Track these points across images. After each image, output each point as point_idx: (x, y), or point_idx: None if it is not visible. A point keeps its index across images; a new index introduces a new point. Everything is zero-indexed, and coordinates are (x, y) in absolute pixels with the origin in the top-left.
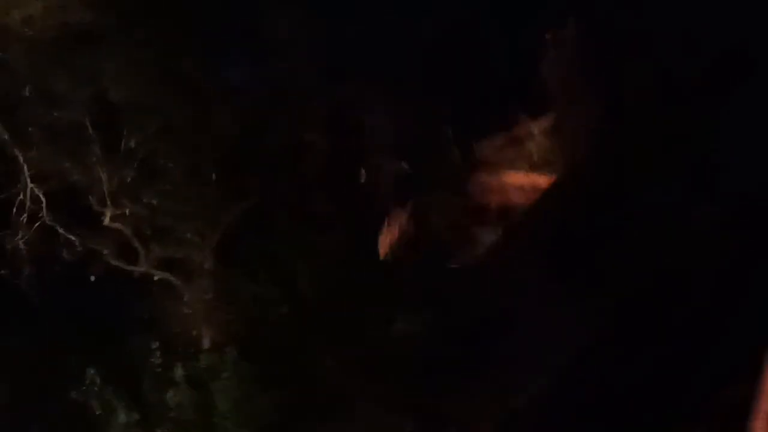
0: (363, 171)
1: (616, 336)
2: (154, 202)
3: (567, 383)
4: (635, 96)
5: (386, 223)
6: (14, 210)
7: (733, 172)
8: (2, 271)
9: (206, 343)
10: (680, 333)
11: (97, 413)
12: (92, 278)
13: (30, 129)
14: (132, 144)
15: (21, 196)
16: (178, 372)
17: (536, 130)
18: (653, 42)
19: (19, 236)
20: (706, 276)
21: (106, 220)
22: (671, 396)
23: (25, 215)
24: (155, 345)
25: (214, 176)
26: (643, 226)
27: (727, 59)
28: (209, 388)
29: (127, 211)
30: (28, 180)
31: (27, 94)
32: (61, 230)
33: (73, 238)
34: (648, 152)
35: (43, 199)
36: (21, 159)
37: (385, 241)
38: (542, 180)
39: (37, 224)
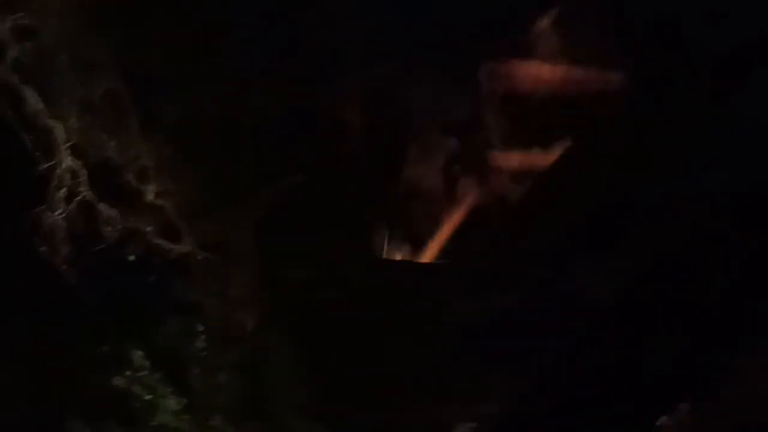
0: (412, 149)
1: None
2: (195, 179)
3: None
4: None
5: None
6: (52, 185)
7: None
8: (41, 249)
9: (250, 326)
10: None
11: (146, 399)
12: (131, 258)
13: (65, 99)
14: (171, 118)
15: (58, 170)
16: (225, 356)
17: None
18: (680, 22)
19: (58, 212)
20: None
21: (149, 197)
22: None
23: (64, 190)
24: (199, 328)
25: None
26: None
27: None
28: (258, 373)
29: (168, 188)
30: (66, 153)
31: (61, 62)
32: (101, 206)
33: (114, 214)
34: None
35: (83, 173)
36: (57, 130)
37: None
38: (546, 69)
39: (76, 200)
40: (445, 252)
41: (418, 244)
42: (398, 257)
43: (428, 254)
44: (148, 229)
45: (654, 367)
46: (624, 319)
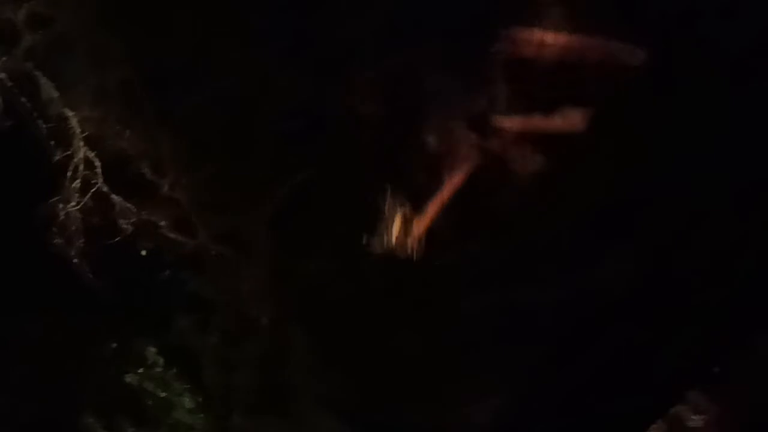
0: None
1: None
2: (209, 172)
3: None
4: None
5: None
6: (67, 175)
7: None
8: (54, 241)
9: (266, 321)
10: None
11: (160, 396)
12: (143, 252)
13: (79, 89)
14: (187, 110)
15: (75, 159)
16: (241, 352)
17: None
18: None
19: (73, 204)
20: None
21: (164, 189)
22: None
23: (78, 181)
24: (214, 324)
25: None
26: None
27: None
28: (276, 368)
29: (182, 181)
30: (81, 143)
31: (76, 51)
32: (116, 198)
33: (129, 206)
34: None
35: (97, 164)
36: (72, 120)
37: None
38: (549, 36)
39: (92, 191)
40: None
41: (420, 203)
42: (398, 216)
43: (427, 214)
44: (163, 222)
45: (670, 357)
46: (643, 309)
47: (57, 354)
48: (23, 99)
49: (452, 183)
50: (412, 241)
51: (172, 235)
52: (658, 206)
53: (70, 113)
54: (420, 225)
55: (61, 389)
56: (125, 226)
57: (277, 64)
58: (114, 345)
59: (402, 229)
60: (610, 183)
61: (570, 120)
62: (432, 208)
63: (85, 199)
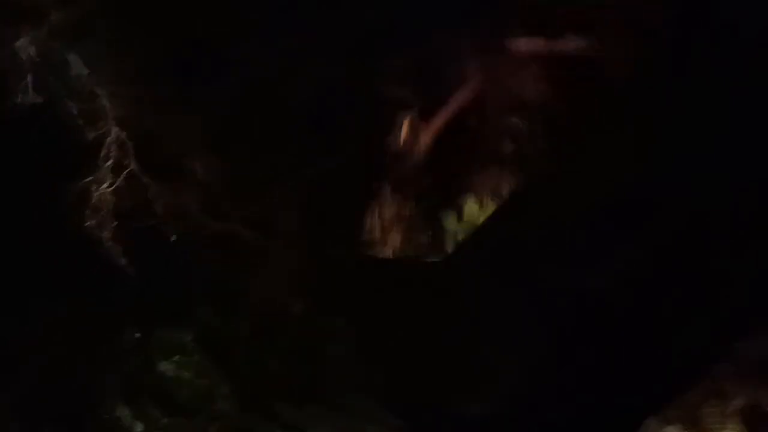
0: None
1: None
2: (242, 156)
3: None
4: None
5: None
6: (100, 155)
7: None
8: (88, 223)
9: (300, 308)
10: None
11: (196, 384)
12: (173, 238)
13: (111, 68)
14: (220, 94)
15: (108, 140)
16: (277, 339)
17: None
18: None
19: (105, 185)
20: None
21: (195, 173)
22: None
23: (110, 162)
24: (243, 311)
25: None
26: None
27: None
28: (314, 356)
29: (214, 165)
30: (113, 123)
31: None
32: (148, 180)
33: (159, 190)
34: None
35: (129, 145)
36: (104, 100)
37: None
38: None
39: (124, 172)
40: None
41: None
42: (407, 121)
43: (434, 123)
44: (194, 206)
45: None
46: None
47: (87, 341)
48: (52, 76)
49: (458, 99)
50: (418, 147)
51: (204, 220)
52: (671, 201)
53: (102, 92)
54: (427, 132)
55: (92, 377)
56: (157, 208)
57: (311, 47)
58: (137, 334)
59: (410, 133)
60: (626, 173)
61: (576, 44)
62: (438, 119)
63: (119, 180)
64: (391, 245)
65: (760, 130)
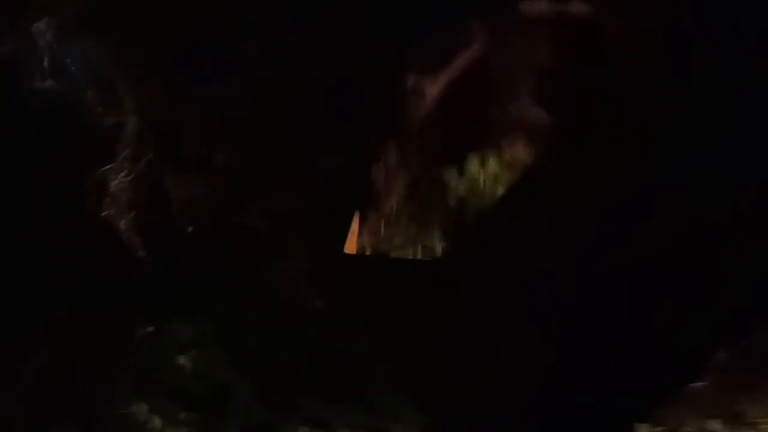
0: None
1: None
2: (262, 148)
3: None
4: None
5: None
6: (118, 144)
7: None
8: (106, 213)
9: (321, 303)
10: None
11: (215, 380)
12: (190, 229)
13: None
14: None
15: (127, 128)
16: (299, 334)
17: None
18: None
19: (123, 174)
20: None
21: (215, 164)
22: None
23: (128, 151)
24: (262, 305)
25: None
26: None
27: None
28: (338, 351)
29: (234, 157)
30: (132, 112)
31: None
32: (168, 170)
33: (178, 181)
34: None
35: (149, 134)
36: (123, 87)
37: None
38: None
39: (143, 161)
40: None
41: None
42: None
43: (439, 80)
44: (213, 198)
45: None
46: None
47: (102, 335)
48: (69, 61)
49: (463, 59)
50: (425, 102)
51: (223, 212)
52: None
53: (121, 79)
54: (433, 87)
55: (107, 372)
56: (175, 200)
57: (331, 39)
58: (151, 328)
59: (417, 90)
60: (626, 173)
61: (581, 8)
62: (443, 77)
63: (137, 170)
64: (395, 195)
65: (760, 130)
